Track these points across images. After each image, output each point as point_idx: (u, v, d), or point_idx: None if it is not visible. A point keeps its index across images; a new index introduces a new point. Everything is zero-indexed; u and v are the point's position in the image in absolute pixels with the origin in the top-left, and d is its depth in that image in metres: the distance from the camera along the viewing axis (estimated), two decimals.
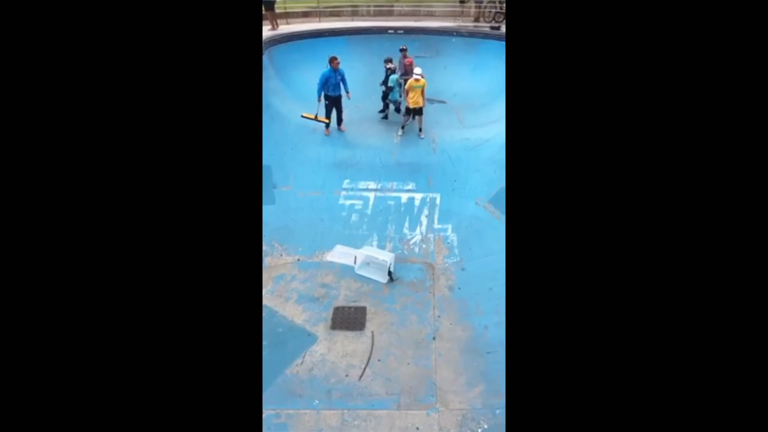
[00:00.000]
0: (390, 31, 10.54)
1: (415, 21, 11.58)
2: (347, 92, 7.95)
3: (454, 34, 10.59)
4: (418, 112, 7.77)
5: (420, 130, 7.96)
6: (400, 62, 8.40)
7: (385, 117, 8.68)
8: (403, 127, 8.02)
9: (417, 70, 7.62)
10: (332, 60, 7.51)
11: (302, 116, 7.69)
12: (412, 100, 7.67)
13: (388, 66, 8.27)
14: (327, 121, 7.83)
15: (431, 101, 8.82)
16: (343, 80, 7.65)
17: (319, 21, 11.48)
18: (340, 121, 8.02)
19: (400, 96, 8.25)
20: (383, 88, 8.49)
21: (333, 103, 7.71)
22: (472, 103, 8.31)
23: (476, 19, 11.45)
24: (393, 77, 8.14)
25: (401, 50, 8.48)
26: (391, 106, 8.61)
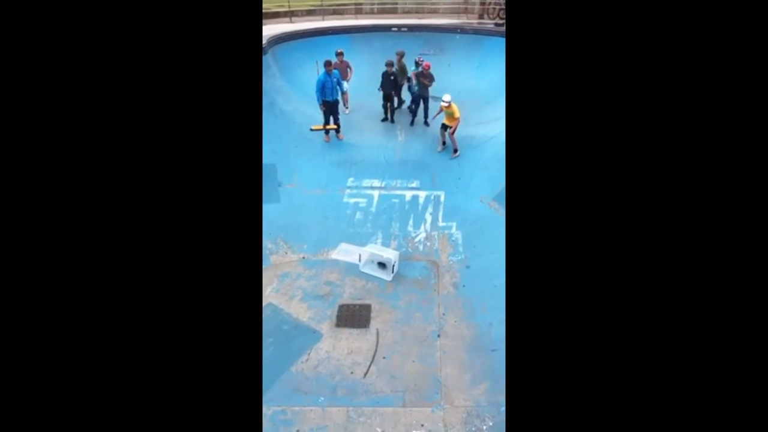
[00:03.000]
0: (394, 29, 10.50)
1: (419, 18, 11.55)
2: (344, 93, 7.77)
3: (458, 31, 10.55)
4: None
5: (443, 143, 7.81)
6: (335, 66, 8.15)
7: (386, 119, 8.50)
8: (444, 143, 7.77)
9: (446, 97, 7.27)
10: (327, 64, 7.29)
11: (311, 129, 7.54)
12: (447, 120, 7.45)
13: (389, 69, 8.01)
14: (335, 126, 7.68)
15: (435, 99, 8.80)
16: (339, 83, 7.47)
17: (323, 19, 11.47)
18: (337, 129, 7.80)
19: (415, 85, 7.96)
20: (381, 92, 8.26)
21: (330, 108, 7.50)
22: (476, 100, 8.27)
23: (480, 16, 11.39)
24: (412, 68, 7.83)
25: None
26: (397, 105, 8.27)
